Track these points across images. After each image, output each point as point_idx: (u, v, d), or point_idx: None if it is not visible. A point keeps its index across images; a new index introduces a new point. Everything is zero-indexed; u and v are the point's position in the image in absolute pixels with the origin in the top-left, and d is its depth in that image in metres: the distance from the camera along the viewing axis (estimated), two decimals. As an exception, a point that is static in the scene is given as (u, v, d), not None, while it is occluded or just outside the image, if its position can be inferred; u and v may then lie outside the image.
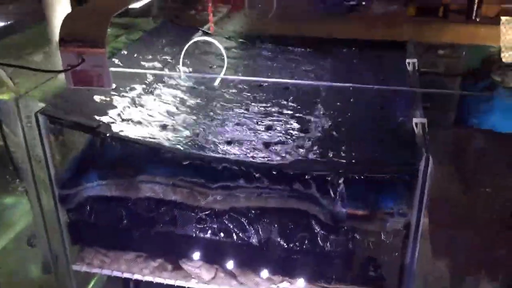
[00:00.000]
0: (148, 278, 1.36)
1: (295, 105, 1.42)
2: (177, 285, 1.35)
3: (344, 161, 1.11)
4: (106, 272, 1.38)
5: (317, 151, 1.17)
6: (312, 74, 1.64)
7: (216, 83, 1.53)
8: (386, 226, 1.13)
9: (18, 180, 1.31)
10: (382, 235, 1.15)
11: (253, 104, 1.43)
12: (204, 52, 1.80)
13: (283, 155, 1.18)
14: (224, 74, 1.54)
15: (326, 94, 1.49)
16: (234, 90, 1.52)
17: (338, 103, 1.42)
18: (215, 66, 1.71)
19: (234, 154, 1.18)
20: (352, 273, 1.21)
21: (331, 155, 1.15)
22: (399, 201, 1.11)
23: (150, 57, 1.61)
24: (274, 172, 1.12)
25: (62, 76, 1.29)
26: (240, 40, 1.95)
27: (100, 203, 1.29)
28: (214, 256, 1.30)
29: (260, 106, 1.41)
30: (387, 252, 1.17)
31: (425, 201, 1.07)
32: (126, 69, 1.39)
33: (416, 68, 1.58)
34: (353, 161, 1.11)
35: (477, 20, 2.29)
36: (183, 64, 1.55)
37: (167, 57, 1.66)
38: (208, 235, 1.26)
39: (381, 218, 1.12)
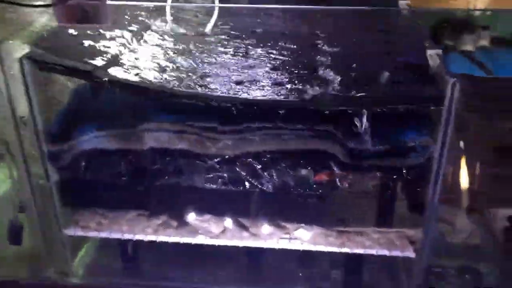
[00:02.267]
0: (151, 237, 1.26)
1: (296, 47, 1.35)
2: (183, 243, 1.26)
3: (367, 95, 1.05)
4: (104, 234, 1.27)
5: (335, 88, 1.10)
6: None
7: (208, 29, 1.43)
8: (409, 160, 1.09)
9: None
10: (404, 171, 1.11)
11: (252, 47, 1.34)
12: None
13: (297, 93, 1.10)
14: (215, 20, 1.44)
15: (326, 35, 1.42)
16: (227, 37, 1.42)
17: (339, 42, 1.35)
18: (200, 15, 1.60)
19: (247, 93, 1.09)
20: (371, 214, 1.17)
21: (349, 91, 1.09)
22: (422, 133, 1.08)
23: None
24: (296, 111, 1.05)
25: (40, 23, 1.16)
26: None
27: (97, 158, 1.18)
28: (224, 208, 1.22)
29: (260, 50, 1.33)
30: (409, 190, 1.13)
31: (450, 130, 1.04)
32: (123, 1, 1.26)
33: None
34: (377, 94, 1.06)
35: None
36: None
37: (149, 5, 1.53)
38: (217, 185, 1.18)
39: (405, 152, 1.09)
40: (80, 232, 1.27)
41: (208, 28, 1.43)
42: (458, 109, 1.02)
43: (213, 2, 1.43)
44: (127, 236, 1.27)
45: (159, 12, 1.50)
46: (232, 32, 1.45)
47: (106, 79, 1.06)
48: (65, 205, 1.24)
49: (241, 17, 1.60)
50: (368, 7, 1.56)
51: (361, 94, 1.06)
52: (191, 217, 1.24)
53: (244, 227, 1.24)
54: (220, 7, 1.41)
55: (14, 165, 1.20)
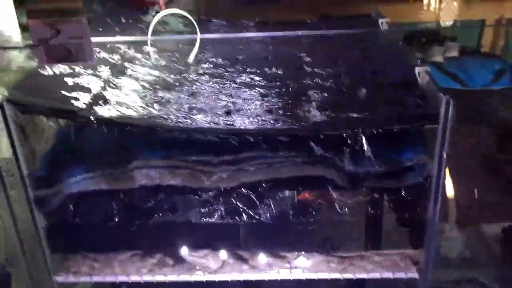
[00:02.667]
0: (147, 277, 1.21)
1: (283, 72, 1.33)
2: (181, 281, 1.22)
3: (361, 116, 1.04)
4: (96, 278, 1.22)
5: (328, 113, 1.09)
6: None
7: (191, 59, 1.41)
8: (408, 180, 1.07)
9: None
10: (403, 192, 1.10)
11: (238, 75, 1.32)
12: (163, 32, 1.66)
13: (292, 120, 1.08)
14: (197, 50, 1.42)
15: (311, 57, 1.41)
16: (211, 65, 1.40)
17: (327, 64, 1.34)
18: (181, 45, 1.58)
19: (238, 123, 1.07)
20: (372, 238, 1.15)
21: (343, 114, 1.08)
22: (419, 152, 1.07)
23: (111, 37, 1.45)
24: (293, 137, 1.03)
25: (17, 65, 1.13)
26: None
27: (86, 200, 1.13)
28: (221, 242, 1.19)
29: (246, 77, 1.31)
30: (408, 209, 1.12)
31: (446, 148, 1.03)
32: (106, 37, 1.23)
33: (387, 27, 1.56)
34: (371, 116, 1.04)
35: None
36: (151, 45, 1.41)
37: (129, 37, 1.51)
38: (213, 219, 1.14)
39: (403, 172, 1.07)
40: (71, 279, 1.22)
41: (191, 58, 1.41)
42: (452, 125, 1.01)
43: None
44: (121, 278, 1.22)
45: (140, 44, 1.48)
46: (215, 60, 1.43)
47: (92, 118, 1.02)
48: (54, 251, 1.19)
49: (222, 45, 1.59)
50: (350, 30, 1.58)
51: (355, 115, 1.04)
52: (188, 253, 1.20)
53: (243, 260, 1.21)
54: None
55: (-2, 212, 1.15)
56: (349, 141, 1.05)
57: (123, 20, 1.69)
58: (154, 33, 1.47)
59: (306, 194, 1.12)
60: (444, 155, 1.03)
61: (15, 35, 1.30)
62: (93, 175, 1.10)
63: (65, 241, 1.19)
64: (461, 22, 2.50)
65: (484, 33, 2.45)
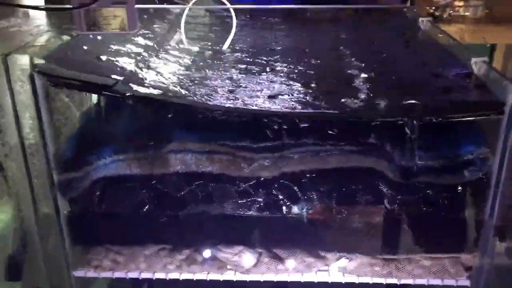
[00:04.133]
0: (173, 275, 1.12)
1: (323, 61, 1.26)
2: (209, 280, 1.12)
3: (418, 103, 0.96)
4: (119, 274, 1.12)
5: (381, 99, 1.01)
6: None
7: (225, 46, 1.34)
8: (466, 176, 0.99)
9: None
10: (459, 188, 1.01)
11: (276, 63, 1.25)
12: (192, 23, 1.60)
13: (338, 106, 1.00)
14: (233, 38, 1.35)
15: (351, 49, 1.35)
16: (246, 54, 1.33)
17: (370, 54, 1.28)
18: (212, 35, 1.51)
19: (282, 107, 0.99)
20: (423, 239, 1.06)
21: (397, 100, 1.00)
22: (479, 145, 0.98)
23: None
24: (341, 125, 0.95)
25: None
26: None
27: (114, 186, 1.04)
28: (256, 238, 1.09)
29: (286, 66, 1.24)
30: (463, 208, 1.03)
31: (510, 140, 0.95)
32: (153, 5, 1.16)
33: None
34: (429, 103, 0.96)
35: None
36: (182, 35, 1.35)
37: (162, 26, 1.44)
38: (251, 212, 1.05)
39: (461, 167, 0.99)
40: (92, 273, 1.12)
41: (226, 45, 1.34)
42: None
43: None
44: (145, 275, 1.12)
45: (176, 22, 1.41)
46: (250, 49, 1.36)
47: (128, 94, 0.94)
48: (76, 242, 1.09)
49: (255, 36, 1.53)
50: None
51: (412, 102, 0.96)
52: (220, 249, 1.10)
53: (278, 259, 1.11)
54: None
55: (18, 197, 1.06)
56: (403, 131, 0.97)
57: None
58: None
59: (352, 187, 1.03)
60: (508, 149, 0.95)
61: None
62: (124, 158, 1.01)
63: (88, 232, 1.10)
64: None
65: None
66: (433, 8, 2.16)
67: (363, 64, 1.21)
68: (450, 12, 2.27)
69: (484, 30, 2.34)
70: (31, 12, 1.33)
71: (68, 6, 0.85)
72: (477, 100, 0.96)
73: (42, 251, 1.10)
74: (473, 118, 0.93)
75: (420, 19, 1.52)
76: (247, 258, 1.10)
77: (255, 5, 1.93)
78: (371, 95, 1.03)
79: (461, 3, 2.32)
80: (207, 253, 1.11)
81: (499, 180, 0.97)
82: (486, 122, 0.98)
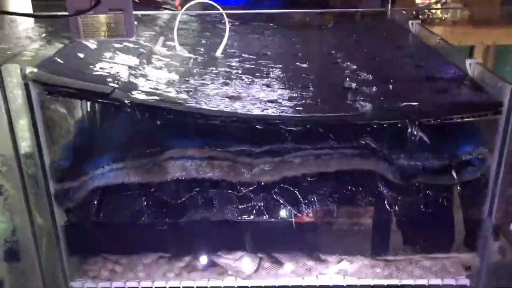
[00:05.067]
0: (173, 283, 1.10)
1: (317, 65, 1.26)
2: (210, 287, 1.11)
3: (420, 106, 0.97)
4: (117, 284, 1.10)
5: (377, 102, 1.01)
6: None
7: (219, 52, 1.33)
8: (464, 176, 1.00)
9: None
10: (458, 188, 1.02)
11: (269, 68, 1.25)
12: (184, 29, 1.59)
13: (335, 109, 1.01)
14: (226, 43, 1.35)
15: (344, 53, 1.35)
16: (239, 59, 1.32)
17: (360, 56, 1.28)
18: (203, 40, 1.51)
19: (281, 111, 0.98)
20: (423, 240, 1.07)
21: (394, 104, 1.01)
22: (477, 145, 0.99)
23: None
24: (341, 128, 0.95)
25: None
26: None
27: (112, 194, 1.03)
28: (257, 243, 1.09)
29: (279, 71, 1.24)
30: (462, 208, 1.04)
31: (508, 140, 0.96)
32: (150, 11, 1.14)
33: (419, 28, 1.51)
34: (427, 105, 0.97)
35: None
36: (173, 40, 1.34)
37: (152, 32, 1.43)
38: (251, 217, 1.05)
39: (459, 167, 1.00)
40: (89, 284, 1.10)
41: (219, 51, 1.34)
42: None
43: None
44: (144, 284, 1.10)
45: (167, 30, 1.40)
46: (243, 55, 1.36)
47: (126, 101, 0.92)
48: (73, 252, 1.07)
49: (246, 41, 1.53)
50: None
51: (408, 103, 0.97)
52: (220, 255, 1.09)
53: (279, 263, 1.10)
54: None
55: (12, 207, 1.03)
56: (401, 133, 0.97)
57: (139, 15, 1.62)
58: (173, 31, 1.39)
59: (352, 189, 1.03)
60: (506, 148, 0.96)
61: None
62: (122, 166, 1.00)
63: (86, 241, 1.08)
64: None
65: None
66: (414, 11, 2.20)
67: (357, 68, 1.21)
68: (429, 14, 2.31)
69: (463, 32, 2.39)
70: (19, 19, 1.31)
71: (64, 13, 0.83)
72: (474, 101, 0.97)
73: (38, 262, 1.07)
74: (472, 119, 0.94)
75: (410, 21, 1.53)
76: (248, 263, 1.09)
77: (243, 9, 1.94)
78: (368, 98, 1.03)
79: (439, 6, 2.36)
80: (207, 259, 1.10)
81: (497, 180, 0.99)
82: (484, 123, 0.99)
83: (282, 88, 1.10)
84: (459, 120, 0.94)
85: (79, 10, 0.84)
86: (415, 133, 0.95)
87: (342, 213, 1.04)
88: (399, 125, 0.94)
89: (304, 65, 1.27)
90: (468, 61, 1.09)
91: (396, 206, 1.03)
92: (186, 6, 1.29)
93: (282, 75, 1.19)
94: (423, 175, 1.00)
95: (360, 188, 1.03)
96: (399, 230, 1.06)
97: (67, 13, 0.83)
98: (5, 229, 1.06)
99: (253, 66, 1.25)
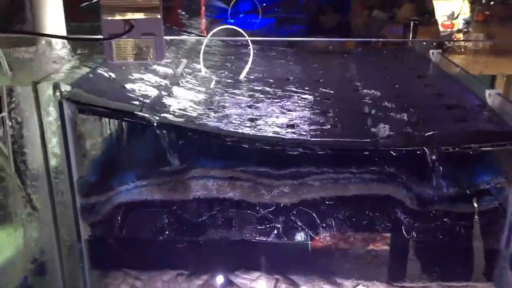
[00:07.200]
0: (191, 300, 1.12)
1: (336, 92, 1.29)
2: (226, 306, 1.13)
3: (439, 134, 0.98)
4: (136, 299, 1.13)
5: (396, 128, 1.03)
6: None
7: (242, 76, 1.37)
8: (482, 205, 1.01)
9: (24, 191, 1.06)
10: (476, 217, 1.02)
11: (292, 92, 1.28)
12: (209, 53, 1.64)
13: (356, 135, 1.03)
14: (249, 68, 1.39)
15: (365, 80, 1.38)
16: (261, 82, 1.36)
17: (380, 84, 1.31)
18: (228, 64, 1.55)
19: (303, 135, 1.01)
20: (439, 267, 1.07)
21: (414, 130, 1.03)
22: (496, 175, 1.00)
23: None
24: (360, 154, 0.97)
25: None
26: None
27: (135, 211, 1.06)
28: (274, 264, 1.10)
29: (302, 95, 1.27)
30: (479, 237, 1.04)
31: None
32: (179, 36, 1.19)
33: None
34: (446, 133, 0.99)
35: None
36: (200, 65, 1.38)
37: (178, 55, 1.48)
38: (269, 238, 1.07)
39: (477, 196, 1.00)
40: (109, 298, 1.13)
41: (242, 75, 1.38)
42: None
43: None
44: (162, 300, 1.12)
45: (193, 53, 1.45)
46: (266, 79, 1.40)
47: (154, 121, 0.96)
48: (95, 266, 1.10)
49: (269, 65, 1.57)
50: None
51: (430, 133, 0.99)
52: (237, 275, 1.11)
53: (295, 285, 1.12)
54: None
55: (40, 221, 1.07)
56: (420, 160, 0.99)
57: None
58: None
59: (370, 214, 1.04)
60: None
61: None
62: (146, 183, 1.03)
63: (108, 256, 1.11)
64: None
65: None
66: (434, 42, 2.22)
67: (378, 95, 1.24)
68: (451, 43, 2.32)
69: (485, 61, 2.40)
70: (54, 40, 1.37)
71: (99, 37, 0.88)
72: (493, 131, 0.98)
73: (62, 275, 1.10)
74: (490, 148, 0.95)
75: (431, 51, 1.56)
76: (264, 284, 1.11)
77: (265, 33, 1.99)
78: (388, 125, 1.05)
79: (461, 35, 2.38)
80: (224, 278, 1.12)
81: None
82: (502, 152, 1.00)
83: (303, 112, 1.13)
84: (477, 149, 0.95)
85: (113, 34, 0.89)
86: (434, 161, 0.97)
87: (359, 237, 1.05)
88: (418, 152, 0.96)
89: (325, 90, 1.30)
90: (488, 92, 1.11)
91: (413, 233, 1.04)
92: (212, 32, 1.34)
93: (303, 99, 1.22)
94: (441, 203, 1.00)
95: (378, 214, 1.04)
96: (416, 257, 1.07)
97: (102, 37, 0.88)
98: (33, 242, 1.10)
99: (276, 90, 1.29)
